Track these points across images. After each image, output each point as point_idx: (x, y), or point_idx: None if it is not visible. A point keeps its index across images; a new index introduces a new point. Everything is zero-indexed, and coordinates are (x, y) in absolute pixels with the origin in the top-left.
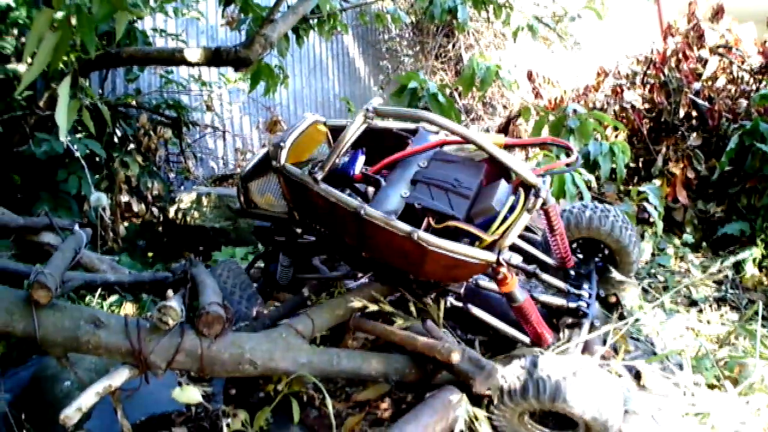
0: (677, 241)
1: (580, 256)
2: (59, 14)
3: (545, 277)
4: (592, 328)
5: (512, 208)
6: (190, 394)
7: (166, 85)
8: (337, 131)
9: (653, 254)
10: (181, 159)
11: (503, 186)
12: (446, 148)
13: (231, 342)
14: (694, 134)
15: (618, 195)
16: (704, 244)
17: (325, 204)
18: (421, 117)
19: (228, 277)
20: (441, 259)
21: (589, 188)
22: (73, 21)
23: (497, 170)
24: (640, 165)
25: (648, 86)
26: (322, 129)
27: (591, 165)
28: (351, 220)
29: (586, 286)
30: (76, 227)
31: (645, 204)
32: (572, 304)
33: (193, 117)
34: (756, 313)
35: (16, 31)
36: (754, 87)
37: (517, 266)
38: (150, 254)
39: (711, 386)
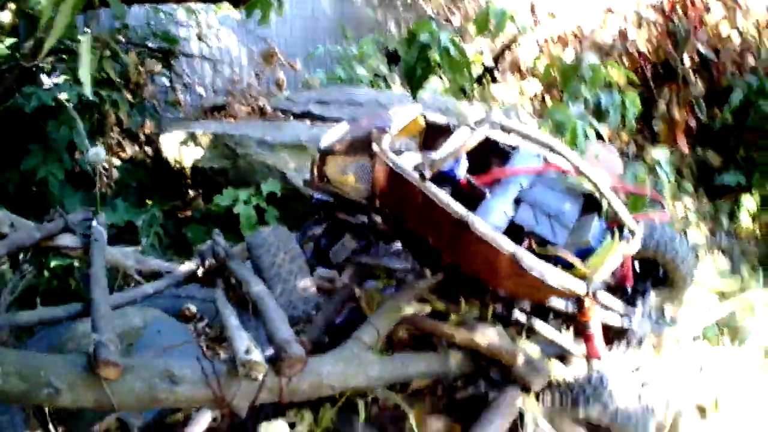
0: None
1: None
2: None
3: (604, 301)
4: (640, 342)
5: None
6: (278, 428)
7: (156, 14)
8: (434, 128)
9: None
10: (169, 90)
11: (597, 222)
12: (550, 173)
13: (309, 370)
14: (698, 82)
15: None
16: (700, 189)
17: (424, 202)
18: (550, 145)
19: (278, 249)
20: (532, 279)
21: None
22: None
23: (591, 203)
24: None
25: (656, 31)
26: (420, 122)
27: (600, 114)
28: (450, 226)
29: (639, 302)
30: (94, 223)
31: (657, 168)
32: (625, 324)
33: (183, 47)
34: (753, 268)
35: None
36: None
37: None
38: (148, 201)
39: (714, 341)
